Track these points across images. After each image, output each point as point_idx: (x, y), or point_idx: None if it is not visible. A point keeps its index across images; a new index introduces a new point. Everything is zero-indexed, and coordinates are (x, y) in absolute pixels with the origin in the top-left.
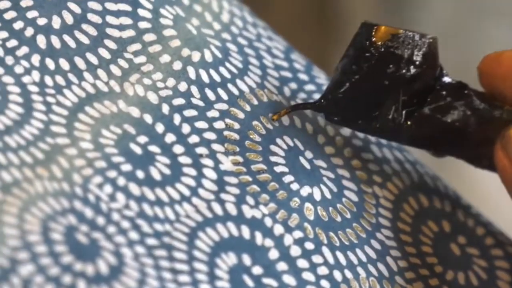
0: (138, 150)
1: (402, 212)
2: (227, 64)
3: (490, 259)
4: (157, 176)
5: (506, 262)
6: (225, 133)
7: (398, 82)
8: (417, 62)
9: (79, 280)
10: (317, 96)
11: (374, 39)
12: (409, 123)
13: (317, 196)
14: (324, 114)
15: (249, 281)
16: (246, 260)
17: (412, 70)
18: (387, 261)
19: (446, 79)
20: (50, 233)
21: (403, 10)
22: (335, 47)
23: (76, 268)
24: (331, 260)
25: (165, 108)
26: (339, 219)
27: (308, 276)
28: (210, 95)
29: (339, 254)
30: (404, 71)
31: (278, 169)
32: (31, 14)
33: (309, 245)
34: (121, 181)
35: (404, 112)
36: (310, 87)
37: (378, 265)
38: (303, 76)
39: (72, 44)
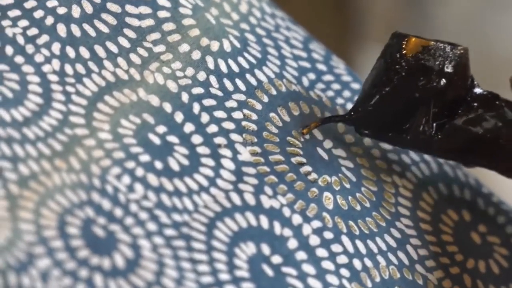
0: (157, 140)
1: (422, 201)
2: (246, 54)
3: (511, 247)
4: (175, 166)
5: None
6: (243, 123)
7: (428, 94)
8: (448, 74)
9: (95, 274)
10: (335, 86)
11: (404, 52)
12: (440, 135)
13: (336, 186)
14: (354, 127)
15: (268, 270)
16: (265, 249)
17: (443, 81)
18: (407, 249)
19: (477, 90)
20: (67, 227)
21: (421, 3)
22: (352, 37)
23: (92, 262)
24: (350, 248)
25: (185, 97)
26: (358, 208)
27: (327, 265)
28: (228, 85)
29: (358, 243)
30: (435, 83)
31: (295, 160)
32: (51, 3)
33: (328, 235)
34: (140, 172)
35: (435, 124)
36: (328, 77)
37: (398, 254)
38: (321, 67)
39: (92, 32)
